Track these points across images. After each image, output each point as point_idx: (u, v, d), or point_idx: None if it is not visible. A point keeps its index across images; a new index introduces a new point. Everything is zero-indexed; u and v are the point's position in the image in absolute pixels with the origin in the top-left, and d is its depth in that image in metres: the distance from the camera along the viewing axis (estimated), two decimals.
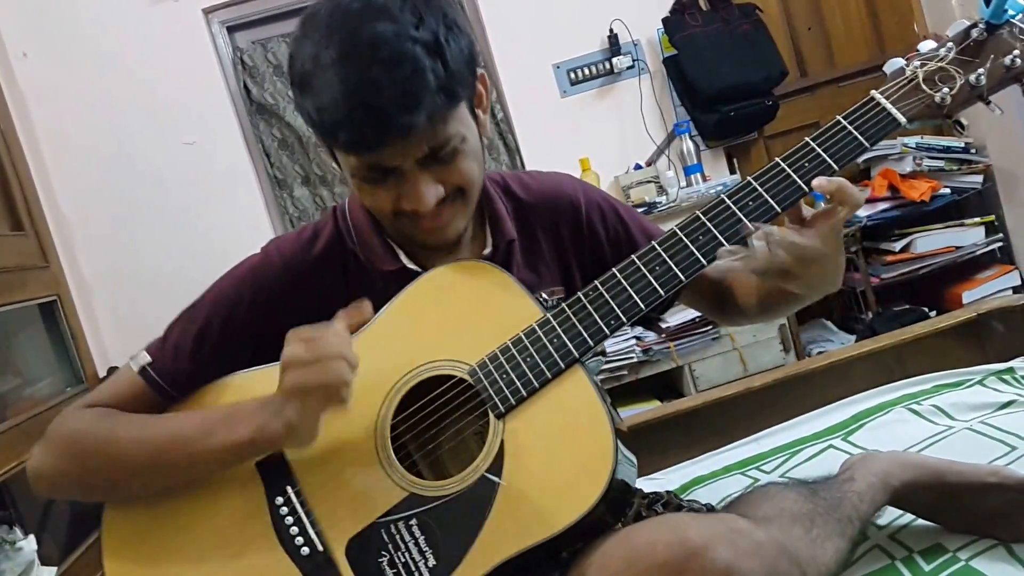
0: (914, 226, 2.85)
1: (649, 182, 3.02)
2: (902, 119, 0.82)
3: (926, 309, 2.81)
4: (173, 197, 2.97)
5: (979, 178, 2.88)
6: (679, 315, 2.83)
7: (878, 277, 2.84)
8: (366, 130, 0.78)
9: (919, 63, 0.84)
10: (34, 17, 2.89)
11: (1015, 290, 2.83)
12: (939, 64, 0.83)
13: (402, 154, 0.82)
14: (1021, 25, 0.82)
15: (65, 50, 2.90)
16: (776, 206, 0.83)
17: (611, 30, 3.06)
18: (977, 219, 2.87)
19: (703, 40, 2.96)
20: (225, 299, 0.94)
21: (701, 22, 3.00)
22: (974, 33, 0.83)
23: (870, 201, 2.86)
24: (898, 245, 2.83)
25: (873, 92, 0.84)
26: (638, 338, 2.76)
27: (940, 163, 2.86)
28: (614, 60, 3.08)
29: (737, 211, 0.84)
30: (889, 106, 0.82)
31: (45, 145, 2.91)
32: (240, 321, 0.93)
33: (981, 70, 0.82)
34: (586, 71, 3.11)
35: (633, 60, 3.10)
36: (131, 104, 2.93)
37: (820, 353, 2.51)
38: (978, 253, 2.86)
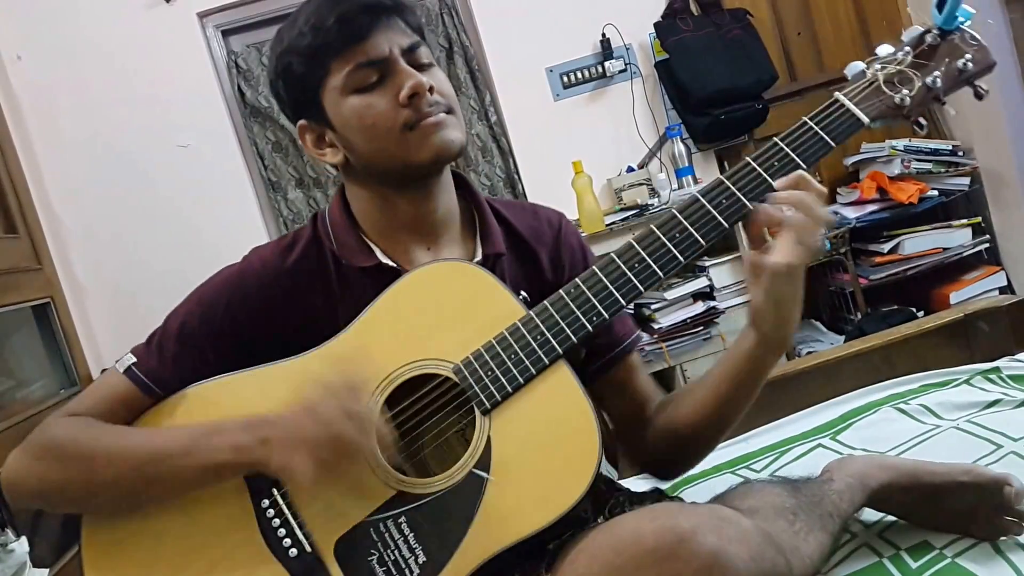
0: (902, 228, 2.87)
1: (641, 184, 3.04)
2: (865, 119, 0.84)
3: (914, 310, 2.83)
4: (167, 200, 2.98)
5: (966, 180, 2.91)
6: (671, 316, 2.86)
7: (866, 278, 2.87)
8: (357, 16, 0.90)
9: (879, 66, 0.87)
10: (29, 20, 2.89)
11: (1001, 291, 2.85)
12: (897, 67, 0.86)
13: (387, 39, 0.91)
14: (971, 32, 0.86)
15: (60, 53, 2.90)
16: (747, 203, 0.85)
17: (603, 34, 3.08)
18: (964, 221, 2.89)
19: (694, 44, 2.99)
20: (205, 302, 0.96)
21: (692, 26, 3.02)
22: (928, 38, 0.86)
23: (859, 203, 2.89)
24: (886, 246, 2.86)
25: (837, 93, 0.86)
26: None
27: (928, 165, 2.89)
28: (606, 64, 3.10)
29: (711, 208, 0.86)
30: (852, 107, 0.85)
31: (39, 148, 2.91)
32: (219, 322, 0.94)
33: (937, 73, 0.85)
34: (579, 75, 3.13)
35: (625, 64, 3.12)
36: (125, 107, 2.93)
37: (809, 353, 2.54)
38: (965, 254, 2.88)
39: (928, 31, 0.86)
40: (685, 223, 0.85)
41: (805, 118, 0.85)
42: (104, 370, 2.91)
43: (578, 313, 0.86)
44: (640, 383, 1.05)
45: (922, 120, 0.86)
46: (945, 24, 0.85)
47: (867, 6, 3.21)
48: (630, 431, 1.04)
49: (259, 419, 0.85)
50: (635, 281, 0.86)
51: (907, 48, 0.87)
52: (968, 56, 0.85)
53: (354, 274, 0.95)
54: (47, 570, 1.95)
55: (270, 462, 0.82)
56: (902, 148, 2.87)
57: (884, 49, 0.87)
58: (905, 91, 0.85)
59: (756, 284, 0.84)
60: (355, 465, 0.84)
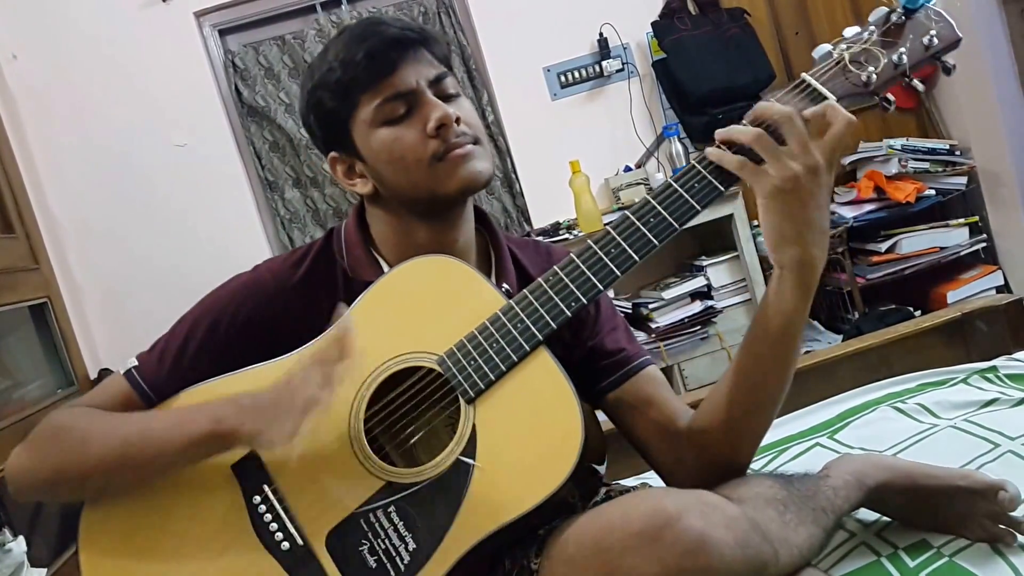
0: (899, 227, 2.88)
1: (639, 184, 3.05)
2: (831, 97, 0.86)
3: (911, 309, 2.83)
4: (164, 199, 2.98)
5: (963, 179, 2.92)
6: (669, 315, 2.86)
7: (864, 277, 2.88)
8: (385, 50, 0.92)
9: (845, 46, 0.89)
10: (24, 19, 2.88)
11: (998, 290, 2.87)
12: (863, 46, 0.88)
13: (415, 72, 0.93)
14: (936, 8, 0.88)
15: (56, 52, 2.90)
16: (719, 186, 0.87)
17: (601, 34, 3.09)
18: (961, 220, 2.90)
19: (692, 44, 2.99)
20: (213, 310, 0.97)
21: (690, 26, 3.03)
22: (893, 17, 0.89)
23: (856, 203, 2.89)
24: (884, 246, 2.87)
25: (804, 74, 0.88)
26: None
27: (925, 165, 2.90)
28: (604, 63, 3.10)
29: (683, 192, 0.87)
30: (818, 85, 0.86)
31: (36, 147, 2.90)
32: (224, 331, 0.96)
33: (902, 50, 0.87)
34: (576, 74, 3.14)
35: (623, 63, 3.12)
36: (122, 106, 2.93)
37: (807, 352, 2.53)
38: (962, 253, 2.90)
39: (893, 10, 0.89)
40: (659, 208, 0.87)
41: (772, 99, 0.87)
42: (102, 370, 2.92)
43: (556, 299, 0.88)
44: (665, 395, 1.00)
45: (890, 96, 0.88)
46: (909, 3, 0.87)
47: (864, 6, 3.22)
48: (665, 446, 0.97)
49: (239, 394, 0.87)
50: (612, 266, 0.87)
51: (872, 28, 0.89)
52: (933, 32, 0.87)
53: (360, 288, 0.96)
54: (45, 570, 1.95)
55: (243, 427, 0.83)
56: (899, 147, 2.88)
57: (850, 30, 0.90)
58: (871, 68, 0.87)
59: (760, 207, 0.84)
60: (324, 418, 0.85)
